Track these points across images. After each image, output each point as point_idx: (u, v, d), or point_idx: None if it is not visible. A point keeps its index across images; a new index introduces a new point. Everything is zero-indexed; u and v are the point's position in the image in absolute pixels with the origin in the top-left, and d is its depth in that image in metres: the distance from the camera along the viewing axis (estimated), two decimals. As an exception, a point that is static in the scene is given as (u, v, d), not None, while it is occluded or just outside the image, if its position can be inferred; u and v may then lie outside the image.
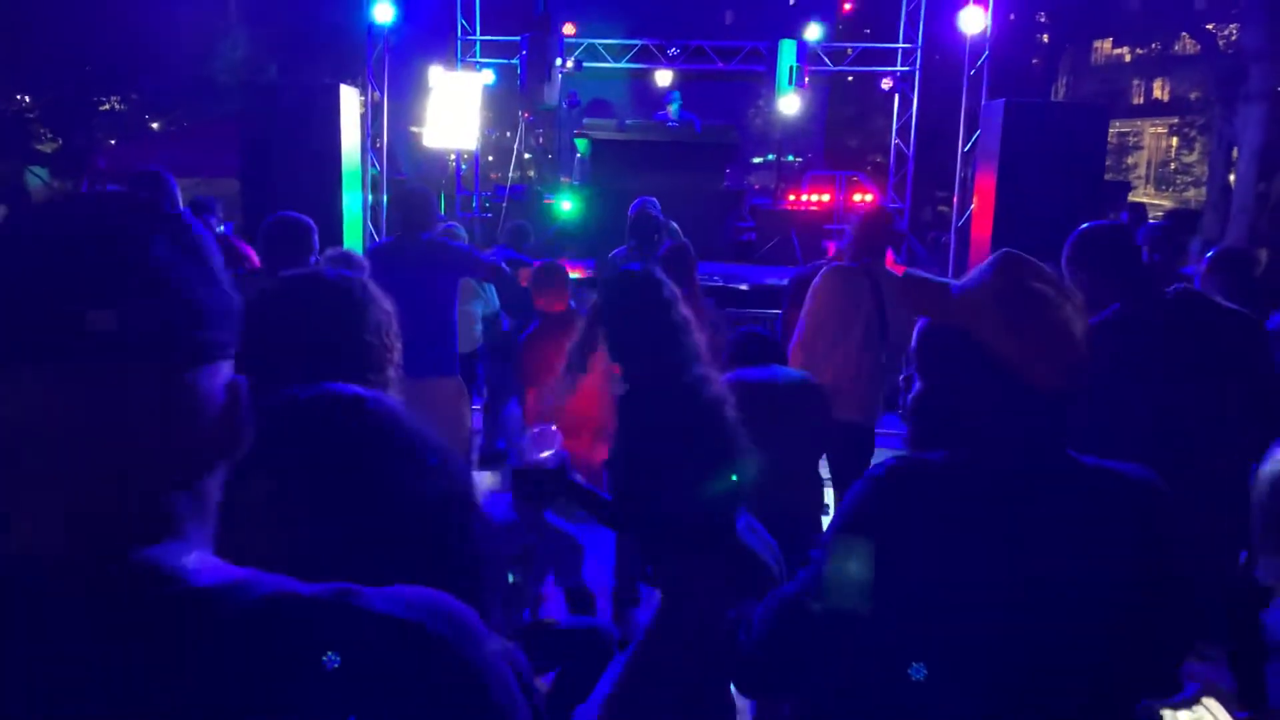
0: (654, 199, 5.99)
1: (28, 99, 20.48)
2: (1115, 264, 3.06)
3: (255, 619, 0.74)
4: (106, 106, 20.60)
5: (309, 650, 0.73)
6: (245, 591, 0.75)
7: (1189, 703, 1.03)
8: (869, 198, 16.03)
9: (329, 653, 0.73)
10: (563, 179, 13.07)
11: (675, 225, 6.33)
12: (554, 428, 2.57)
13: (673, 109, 13.31)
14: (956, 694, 1.35)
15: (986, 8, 10.72)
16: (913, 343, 1.52)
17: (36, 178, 19.76)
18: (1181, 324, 2.99)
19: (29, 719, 0.69)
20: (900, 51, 13.14)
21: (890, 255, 4.54)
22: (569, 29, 14.29)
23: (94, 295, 0.73)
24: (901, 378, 1.55)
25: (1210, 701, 1.03)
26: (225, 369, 0.82)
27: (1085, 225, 3.21)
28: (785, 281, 6.22)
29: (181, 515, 0.78)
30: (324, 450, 1.07)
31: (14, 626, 0.72)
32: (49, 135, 20.55)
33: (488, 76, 13.13)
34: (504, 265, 5.10)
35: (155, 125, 20.66)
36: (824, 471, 3.90)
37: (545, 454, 2.50)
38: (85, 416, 0.73)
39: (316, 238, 4.20)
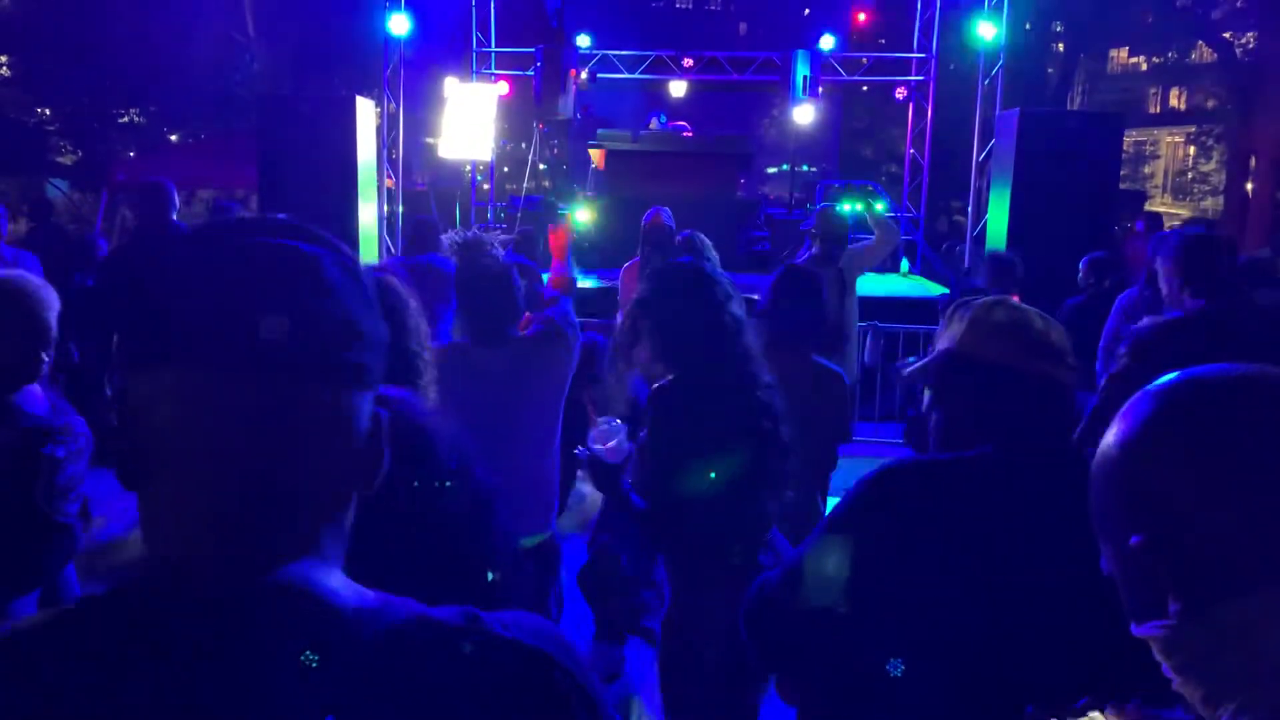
0: (667, 209, 5.96)
1: (48, 112, 20.68)
2: (1197, 268, 3.48)
3: (396, 642, 0.73)
4: (125, 119, 20.78)
5: (447, 674, 0.73)
6: (384, 615, 0.75)
7: (1077, 714, 1.03)
8: (881, 206, 15.96)
9: (464, 676, 0.73)
10: (577, 189, 13.06)
11: (703, 237, 5.47)
12: (618, 421, 2.52)
13: (654, 126, 13.24)
14: (953, 683, 1.42)
15: (1001, 17, 10.70)
16: (930, 381, 1.75)
17: (56, 190, 19.94)
18: (1256, 328, 3.16)
19: None
20: (915, 61, 13.14)
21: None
22: (583, 41, 14.35)
23: (267, 304, 0.72)
24: (914, 415, 1.70)
25: (1096, 715, 1.03)
26: (372, 398, 0.81)
27: (1184, 229, 3.74)
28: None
29: (323, 535, 0.77)
30: None
31: (149, 634, 0.70)
32: (68, 148, 20.74)
33: (502, 88, 13.19)
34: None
35: (174, 138, 20.82)
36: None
37: (607, 445, 2.48)
38: (249, 425, 0.73)
39: None
